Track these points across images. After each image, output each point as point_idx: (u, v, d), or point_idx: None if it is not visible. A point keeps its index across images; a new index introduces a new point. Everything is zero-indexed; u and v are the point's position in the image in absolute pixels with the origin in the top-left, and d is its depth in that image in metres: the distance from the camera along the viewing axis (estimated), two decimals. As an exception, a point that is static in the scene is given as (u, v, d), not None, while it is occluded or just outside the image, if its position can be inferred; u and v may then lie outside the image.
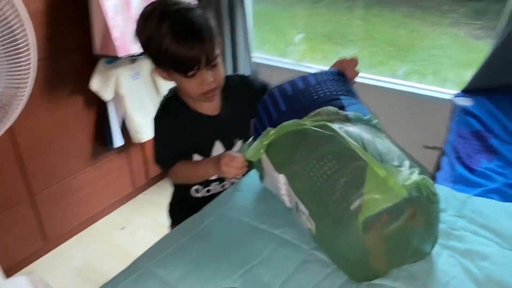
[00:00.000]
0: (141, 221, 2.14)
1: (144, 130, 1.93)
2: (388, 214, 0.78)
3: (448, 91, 1.81)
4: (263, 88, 1.17)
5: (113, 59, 1.71)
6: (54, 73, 1.70)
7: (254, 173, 1.19)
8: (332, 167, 0.83)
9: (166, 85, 1.97)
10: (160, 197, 2.30)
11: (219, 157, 0.99)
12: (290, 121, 0.93)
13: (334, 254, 0.87)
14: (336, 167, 0.83)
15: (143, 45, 1.00)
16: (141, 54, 1.66)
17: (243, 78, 1.23)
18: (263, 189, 1.13)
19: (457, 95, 1.60)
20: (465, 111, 1.51)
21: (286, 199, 0.97)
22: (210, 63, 0.99)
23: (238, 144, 1.20)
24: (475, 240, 0.95)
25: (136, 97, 1.89)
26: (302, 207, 0.88)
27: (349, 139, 0.85)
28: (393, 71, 2.07)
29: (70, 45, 1.72)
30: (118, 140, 1.94)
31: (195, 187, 1.20)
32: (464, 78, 1.86)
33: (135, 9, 1.66)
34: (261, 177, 1.09)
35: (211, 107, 1.13)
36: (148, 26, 0.96)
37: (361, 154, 0.82)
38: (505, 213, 1.04)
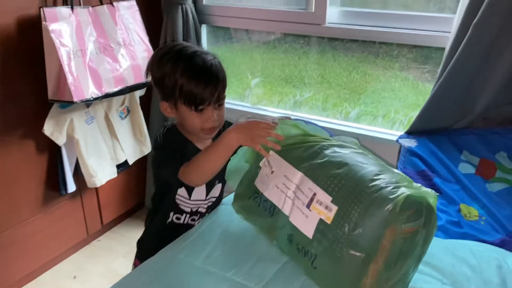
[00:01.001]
0: (94, 269, 2.06)
1: (99, 174, 1.90)
2: (415, 209, 0.84)
3: (395, 133, 1.91)
4: None
5: (67, 104, 1.70)
6: (6, 117, 1.67)
7: (214, 216, 1.22)
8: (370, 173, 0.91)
9: (121, 130, 1.99)
10: (114, 243, 2.23)
11: (240, 125, 1.02)
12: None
13: (342, 247, 0.87)
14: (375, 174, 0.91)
15: (157, 80, 1.09)
16: (95, 99, 1.66)
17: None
18: (221, 233, 1.14)
19: (401, 137, 1.68)
20: (410, 151, 1.59)
21: (287, 200, 0.98)
22: (219, 102, 1.09)
23: (218, 186, 1.24)
24: (419, 278, 0.99)
25: (90, 142, 1.87)
26: (322, 197, 0.91)
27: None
28: (346, 113, 2.16)
29: (23, 90, 1.71)
30: (71, 185, 1.90)
31: (169, 218, 1.22)
32: (411, 119, 1.96)
33: (90, 55, 1.67)
34: (245, 179, 1.12)
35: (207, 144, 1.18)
36: (163, 64, 1.06)
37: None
38: (446, 250, 1.10)
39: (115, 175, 2.01)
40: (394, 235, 0.83)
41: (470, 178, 1.49)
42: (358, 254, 0.85)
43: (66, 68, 1.58)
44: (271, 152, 1.04)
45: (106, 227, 2.27)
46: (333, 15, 1.87)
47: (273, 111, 2.24)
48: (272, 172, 1.02)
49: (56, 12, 1.58)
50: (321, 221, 0.90)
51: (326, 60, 2.13)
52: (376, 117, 2.08)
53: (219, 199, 1.28)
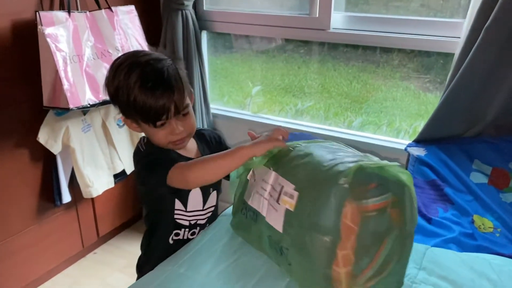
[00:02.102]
0: (90, 283, 1.98)
1: (96, 184, 1.84)
2: (377, 183, 0.79)
3: (402, 141, 1.86)
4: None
5: (63, 111, 1.64)
6: (0, 125, 1.61)
7: (216, 229, 1.16)
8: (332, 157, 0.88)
9: (119, 138, 1.93)
10: (111, 256, 2.16)
11: (256, 140, 0.96)
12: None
13: (303, 236, 0.83)
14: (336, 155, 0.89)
15: (112, 95, 1.01)
16: (92, 106, 1.61)
17: (219, 134, 1.25)
18: (223, 246, 1.08)
19: (409, 145, 1.63)
20: (419, 160, 1.53)
21: (264, 202, 0.95)
22: (180, 113, 1.00)
23: (213, 194, 1.17)
24: (437, 293, 0.92)
25: (87, 150, 1.81)
26: (288, 187, 0.89)
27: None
28: (349, 122, 2.11)
29: (17, 96, 1.65)
30: (66, 196, 1.83)
31: (170, 236, 1.15)
32: (417, 128, 1.92)
33: (87, 60, 1.62)
34: (236, 196, 1.09)
35: (192, 153, 1.12)
36: (117, 77, 0.97)
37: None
38: (463, 263, 1.03)
39: (112, 185, 1.95)
40: (357, 213, 0.79)
41: (482, 188, 1.43)
42: (321, 237, 0.81)
43: (62, 74, 1.52)
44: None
45: (102, 239, 2.20)
46: (338, 21, 1.82)
47: (274, 120, 2.18)
48: (254, 180, 1.02)
49: (53, 16, 1.53)
50: (287, 211, 0.88)
51: (327, 70, 2.09)
52: (379, 126, 2.03)
53: (216, 208, 1.21)
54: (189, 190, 1.11)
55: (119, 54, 1.71)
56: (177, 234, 1.15)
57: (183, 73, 1.02)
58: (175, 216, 1.12)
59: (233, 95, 2.39)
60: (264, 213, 0.96)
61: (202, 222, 1.17)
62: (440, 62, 1.79)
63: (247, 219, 1.04)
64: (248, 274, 0.97)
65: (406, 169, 1.61)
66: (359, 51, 1.94)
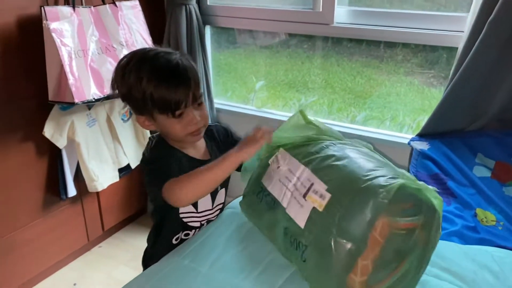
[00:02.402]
0: (95, 277, 2.00)
1: (101, 178, 1.85)
2: (412, 204, 0.80)
3: (405, 136, 1.86)
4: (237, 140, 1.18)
5: (68, 105, 1.65)
6: (5, 120, 1.62)
7: (219, 221, 1.17)
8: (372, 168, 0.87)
9: (123, 133, 1.94)
10: (116, 250, 2.18)
11: (241, 144, 0.96)
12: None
13: (331, 235, 0.83)
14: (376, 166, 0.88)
15: (125, 96, 1.00)
16: (97, 100, 1.62)
17: (225, 127, 1.23)
18: (227, 238, 1.09)
19: (413, 139, 1.63)
20: (423, 154, 1.54)
21: (287, 192, 0.95)
22: (196, 101, 1.00)
23: (221, 192, 1.17)
24: (439, 284, 0.93)
25: (92, 145, 1.82)
26: (318, 186, 0.88)
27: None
28: (352, 117, 2.11)
29: (23, 91, 1.66)
30: (72, 189, 1.85)
31: (176, 236, 1.15)
32: (420, 123, 1.92)
33: (92, 55, 1.63)
34: (253, 177, 1.09)
35: (200, 152, 1.11)
36: (127, 76, 0.97)
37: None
38: (465, 256, 1.04)
39: (117, 179, 1.96)
40: (387, 229, 0.79)
41: (485, 182, 1.43)
42: (345, 243, 0.80)
43: (67, 69, 1.53)
44: (281, 149, 1.02)
45: (107, 233, 2.21)
46: (341, 15, 1.82)
47: (278, 114, 2.19)
48: (278, 167, 1.01)
49: (57, 11, 1.54)
50: (313, 209, 0.87)
51: (330, 65, 2.09)
52: (383, 121, 2.03)
53: (224, 206, 1.22)
54: None
55: (123, 49, 1.74)
56: (187, 235, 1.15)
57: (193, 62, 1.03)
58: (186, 219, 1.12)
59: (237, 90, 2.39)
60: (284, 204, 0.95)
61: (213, 219, 1.18)
62: (444, 56, 1.79)
63: (261, 204, 1.03)
64: (252, 265, 0.98)
65: (409, 163, 1.61)
66: (362, 46, 1.94)
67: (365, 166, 0.87)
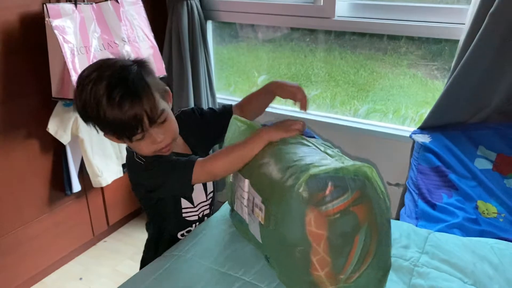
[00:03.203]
0: (100, 271, 2.03)
1: (105, 174, 1.87)
2: (333, 185, 0.77)
3: (407, 129, 1.86)
4: (214, 113, 1.17)
5: (71, 102, 1.67)
6: (10, 117, 1.64)
7: (218, 214, 1.18)
8: (288, 165, 0.86)
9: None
10: (121, 244, 2.20)
11: (275, 125, 0.96)
12: None
13: (278, 248, 0.84)
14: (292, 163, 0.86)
15: (80, 111, 0.94)
16: (100, 96, 1.63)
17: (191, 109, 1.18)
18: (227, 232, 1.10)
19: (414, 132, 1.63)
20: (424, 147, 1.54)
21: (245, 210, 0.96)
22: (155, 122, 0.94)
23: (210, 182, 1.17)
24: (438, 276, 0.94)
25: (96, 140, 1.84)
26: (257, 199, 0.88)
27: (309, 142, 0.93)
28: (355, 110, 2.12)
29: (28, 88, 1.68)
30: (76, 185, 1.86)
31: (181, 232, 1.15)
32: (423, 116, 1.91)
33: (94, 52, 1.64)
34: (229, 194, 1.09)
35: (180, 147, 1.10)
36: (83, 92, 0.91)
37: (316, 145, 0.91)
38: (465, 247, 1.05)
39: (121, 174, 1.98)
40: (321, 219, 0.78)
41: (487, 174, 1.43)
42: (291, 248, 0.81)
43: (70, 65, 1.55)
44: None
45: (112, 228, 2.24)
46: (342, 8, 1.82)
47: (281, 109, 2.19)
48: (235, 184, 1.01)
49: (59, 8, 1.55)
50: (260, 223, 0.88)
51: (333, 58, 2.09)
52: (386, 114, 2.03)
53: (215, 192, 1.21)
54: (193, 187, 1.10)
55: (125, 45, 1.75)
56: (188, 231, 1.16)
57: (151, 78, 0.96)
58: (184, 215, 1.12)
59: (240, 84, 2.40)
60: (247, 221, 0.97)
61: (207, 211, 1.19)
62: (447, 49, 1.78)
63: (236, 220, 1.06)
64: (253, 260, 0.99)
65: (411, 156, 1.62)
66: (365, 39, 1.93)
67: (283, 165, 0.86)
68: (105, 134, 0.99)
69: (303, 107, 1.07)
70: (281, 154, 0.90)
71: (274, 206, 0.83)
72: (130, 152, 1.04)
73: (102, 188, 2.06)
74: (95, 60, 1.63)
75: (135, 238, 2.23)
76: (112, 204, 2.15)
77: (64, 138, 1.73)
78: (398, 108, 1.99)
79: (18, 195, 1.74)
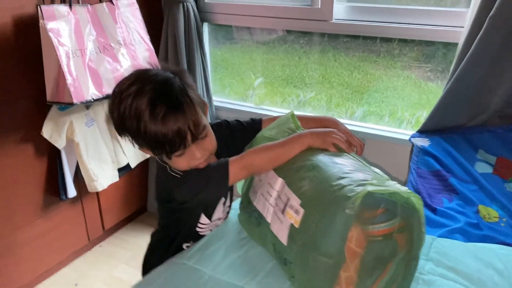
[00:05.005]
0: (96, 276, 2.00)
1: (100, 178, 1.84)
2: (385, 208, 0.77)
3: (403, 132, 1.86)
4: (242, 127, 1.15)
5: (66, 106, 1.64)
6: (3, 120, 1.61)
7: (224, 224, 1.16)
8: (339, 176, 0.85)
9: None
10: (116, 248, 2.17)
11: (318, 133, 0.96)
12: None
13: (306, 255, 0.83)
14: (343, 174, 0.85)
15: (118, 124, 0.91)
16: (96, 100, 1.60)
17: (225, 124, 1.15)
18: (230, 238, 1.09)
19: (413, 135, 1.63)
20: (423, 151, 1.53)
21: (269, 208, 0.94)
22: (198, 138, 0.92)
23: (228, 196, 1.15)
24: (444, 283, 0.93)
25: (91, 145, 1.81)
26: (294, 201, 0.87)
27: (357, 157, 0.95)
28: (351, 112, 2.11)
29: (22, 92, 1.65)
30: (71, 190, 1.83)
31: (186, 244, 1.13)
32: (419, 118, 1.91)
33: (89, 54, 1.61)
34: (244, 189, 1.09)
35: (212, 160, 1.06)
36: (122, 105, 0.87)
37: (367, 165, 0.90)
38: (470, 254, 1.04)
39: (117, 179, 1.95)
40: (363, 238, 0.77)
41: (487, 178, 1.43)
42: (324, 259, 0.80)
43: (65, 68, 1.52)
44: None
45: (107, 232, 2.21)
46: (340, 11, 1.81)
47: (276, 111, 2.18)
48: (260, 180, 0.99)
49: (54, 10, 1.52)
50: (291, 226, 0.87)
51: (327, 60, 2.09)
52: (381, 116, 2.03)
53: (230, 207, 1.20)
54: (218, 201, 1.09)
55: (121, 48, 1.73)
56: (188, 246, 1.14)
57: (194, 92, 0.93)
58: (198, 229, 1.10)
59: (234, 86, 2.38)
60: (269, 220, 0.95)
61: (220, 223, 1.17)
62: (441, 50, 1.78)
63: (251, 218, 1.04)
64: (257, 267, 0.98)
65: (410, 159, 1.61)
66: (359, 41, 1.93)
67: (334, 174, 0.85)
68: (141, 148, 0.96)
69: (359, 152, 1.05)
70: (329, 161, 0.89)
71: (317, 213, 0.81)
72: (162, 165, 1.00)
73: (97, 193, 2.03)
74: (90, 64, 1.63)
75: (130, 243, 2.20)
76: (108, 208, 2.12)
77: (59, 143, 1.70)
78: (394, 110, 1.99)
79: (12, 200, 1.71)
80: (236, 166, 0.95)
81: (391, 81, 1.95)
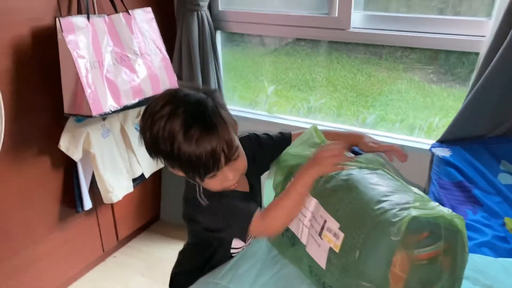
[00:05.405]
0: (111, 287, 1.98)
1: (116, 190, 1.83)
2: (429, 232, 0.76)
3: (418, 140, 1.85)
4: (272, 141, 1.14)
5: (83, 118, 1.62)
6: (20, 133, 1.59)
7: (254, 240, 1.15)
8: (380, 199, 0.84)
9: (138, 143, 1.91)
10: (130, 259, 2.16)
11: (308, 164, 0.94)
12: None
13: (351, 278, 0.81)
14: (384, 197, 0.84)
15: (150, 145, 0.91)
16: (114, 112, 1.59)
17: (255, 138, 1.13)
18: (262, 256, 1.07)
19: (433, 145, 1.62)
20: (445, 161, 1.52)
21: (304, 229, 0.93)
22: (230, 160, 0.91)
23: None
24: (484, 303, 0.92)
25: (107, 156, 1.80)
26: (332, 224, 0.85)
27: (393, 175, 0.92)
28: (363, 118, 2.10)
29: (39, 104, 1.63)
30: (88, 202, 1.82)
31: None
32: (432, 125, 1.91)
33: (107, 66, 1.60)
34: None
35: (242, 184, 1.05)
36: (155, 126, 0.87)
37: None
38: (505, 271, 1.03)
39: (131, 189, 1.94)
40: (407, 263, 0.76)
41: (511, 190, 1.42)
42: (367, 285, 0.78)
43: (84, 81, 1.50)
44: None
45: (121, 243, 2.19)
46: (357, 20, 1.80)
47: (289, 119, 2.16)
48: None
49: (73, 22, 1.51)
50: (330, 249, 0.85)
51: (330, 63, 2.08)
52: (393, 123, 2.02)
53: None
54: None
55: (138, 58, 1.71)
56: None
57: (224, 109, 0.93)
58: (232, 251, 1.09)
59: (241, 91, 2.36)
60: (304, 241, 0.93)
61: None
62: (442, 52, 1.77)
63: (283, 238, 1.01)
64: (293, 285, 0.97)
65: (430, 170, 1.60)
66: (361, 43, 1.91)
67: (375, 196, 0.83)
68: (173, 168, 0.94)
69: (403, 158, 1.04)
70: (367, 182, 0.88)
71: (359, 238, 0.80)
72: (192, 186, 1.00)
73: (111, 204, 2.01)
74: (108, 75, 1.61)
75: (145, 252, 2.19)
76: (122, 218, 2.11)
77: (76, 155, 1.69)
78: (405, 117, 1.98)
79: (30, 212, 1.69)
80: (258, 224, 0.94)
81: (395, 84, 1.95)
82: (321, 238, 0.87)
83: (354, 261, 0.80)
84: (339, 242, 0.83)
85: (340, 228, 0.84)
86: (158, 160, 0.93)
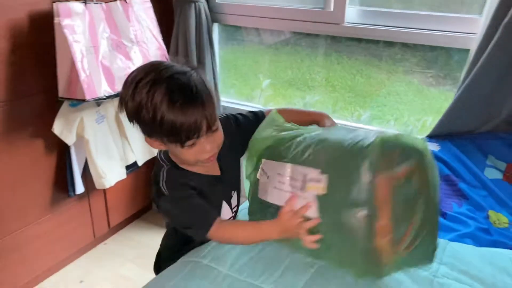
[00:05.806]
0: (101, 274, 2.00)
1: (108, 175, 1.84)
2: (399, 151, 0.83)
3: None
4: (249, 122, 1.14)
5: (77, 102, 1.64)
6: (14, 116, 1.61)
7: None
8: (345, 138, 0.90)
9: (131, 130, 1.93)
10: (121, 247, 2.17)
11: (278, 230, 0.95)
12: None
13: (340, 215, 0.85)
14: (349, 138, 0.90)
15: (132, 114, 0.90)
16: (108, 97, 1.61)
17: (233, 119, 1.14)
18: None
19: (423, 140, 1.63)
20: (433, 156, 1.53)
21: (286, 195, 0.94)
22: (211, 129, 0.92)
23: (234, 196, 1.15)
24: (460, 287, 0.93)
25: (100, 142, 1.81)
26: (312, 174, 0.89)
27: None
28: (358, 115, 2.11)
29: (34, 87, 1.65)
30: (80, 186, 1.84)
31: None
32: (425, 123, 1.92)
33: (103, 52, 1.62)
34: (250, 196, 1.09)
35: (210, 168, 1.06)
36: (138, 94, 0.87)
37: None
38: (483, 259, 1.05)
39: (124, 176, 1.95)
40: (388, 183, 0.81)
41: (497, 184, 1.44)
42: (359, 212, 0.82)
43: (78, 65, 1.52)
44: (263, 160, 1.01)
45: (113, 230, 2.21)
46: (352, 15, 1.82)
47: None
48: (268, 177, 1.00)
49: (70, 8, 1.53)
50: (318, 197, 0.88)
51: (330, 63, 2.09)
52: (387, 121, 2.04)
53: (238, 206, 1.20)
54: (220, 208, 1.09)
55: (134, 46, 1.73)
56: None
57: (208, 82, 0.94)
58: None
59: (239, 87, 2.38)
60: (277, 202, 0.96)
61: None
62: (443, 56, 1.79)
63: (266, 217, 1.02)
64: (272, 266, 0.99)
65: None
66: (361, 45, 1.93)
67: (344, 137, 0.90)
68: (150, 138, 0.95)
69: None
70: (333, 133, 0.94)
71: (341, 171, 0.85)
72: (158, 171, 1.01)
73: (104, 190, 2.03)
74: (103, 61, 1.63)
75: (136, 241, 2.20)
76: (114, 206, 2.12)
77: (69, 139, 1.71)
78: (399, 115, 1.99)
79: (22, 196, 1.71)
80: (216, 232, 0.97)
81: (394, 86, 1.96)
82: (306, 191, 0.90)
83: (342, 193, 0.84)
84: (324, 184, 0.87)
85: (321, 172, 0.88)
86: (137, 128, 0.94)
